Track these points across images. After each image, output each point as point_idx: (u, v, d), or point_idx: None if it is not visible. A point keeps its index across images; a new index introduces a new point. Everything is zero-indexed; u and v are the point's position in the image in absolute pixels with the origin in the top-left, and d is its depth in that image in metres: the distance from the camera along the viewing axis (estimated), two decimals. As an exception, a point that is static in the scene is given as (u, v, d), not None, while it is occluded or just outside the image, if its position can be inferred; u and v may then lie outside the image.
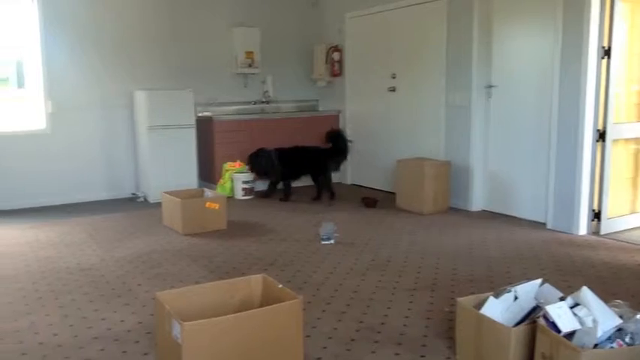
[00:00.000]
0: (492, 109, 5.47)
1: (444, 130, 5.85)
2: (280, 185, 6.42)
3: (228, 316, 2.40)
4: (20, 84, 6.85)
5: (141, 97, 6.22)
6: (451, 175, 5.66)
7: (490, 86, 5.46)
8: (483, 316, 2.38)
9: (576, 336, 2.12)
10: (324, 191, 6.28)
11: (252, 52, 7.07)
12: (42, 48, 6.05)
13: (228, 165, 6.47)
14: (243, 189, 6.39)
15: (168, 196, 5.06)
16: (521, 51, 5.17)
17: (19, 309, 3.24)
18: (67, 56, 6.17)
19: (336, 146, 6.25)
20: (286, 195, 6.33)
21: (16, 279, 3.75)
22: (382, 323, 2.99)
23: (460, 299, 2.57)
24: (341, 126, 7.34)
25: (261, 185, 6.58)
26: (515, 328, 2.27)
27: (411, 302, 3.28)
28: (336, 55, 7.31)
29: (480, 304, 2.50)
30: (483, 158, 5.58)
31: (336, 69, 7.33)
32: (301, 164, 6.28)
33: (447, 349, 2.67)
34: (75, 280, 3.71)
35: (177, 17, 6.73)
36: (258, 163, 6.24)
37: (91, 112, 6.34)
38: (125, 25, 6.44)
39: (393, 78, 6.51)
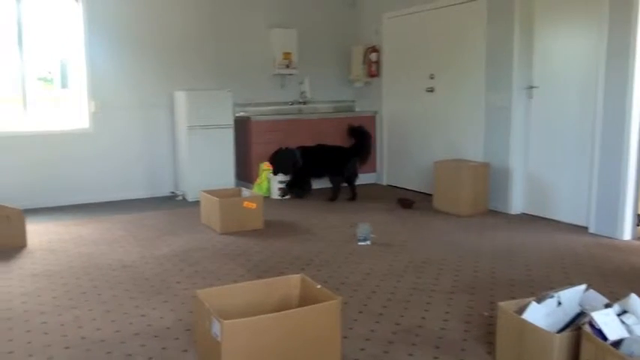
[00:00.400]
0: (533, 110, 5.37)
1: (483, 131, 5.77)
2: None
3: (267, 315, 2.42)
4: (64, 84, 7.04)
5: (180, 98, 6.32)
6: (490, 177, 5.57)
7: (531, 87, 5.35)
8: (526, 322, 2.33)
9: (624, 344, 2.06)
10: (334, 189, 6.31)
11: (289, 53, 7.10)
12: (85, 48, 6.20)
13: (264, 165, 6.51)
14: (280, 189, 6.42)
15: (206, 195, 5.13)
16: (564, 51, 5.05)
17: (63, 303, 3.33)
18: (109, 57, 6.31)
19: (360, 143, 6.30)
20: (303, 193, 6.46)
21: (61, 274, 3.85)
22: (420, 326, 2.96)
23: (501, 303, 2.53)
24: (377, 127, 7.33)
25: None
26: (560, 334, 2.22)
27: (449, 305, 3.24)
28: (373, 56, 7.28)
29: (521, 309, 2.45)
30: (523, 160, 5.47)
31: (373, 69, 7.30)
32: (323, 163, 6.32)
33: (486, 354, 2.63)
34: (116, 277, 3.79)
35: (217, 19, 6.81)
36: (279, 161, 6.29)
37: (132, 111, 6.48)
38: (166, 26, 6.55)
39: (432, 78, 6.45)
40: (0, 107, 6.57)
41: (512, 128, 5.44)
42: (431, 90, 6.47)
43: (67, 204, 6.16)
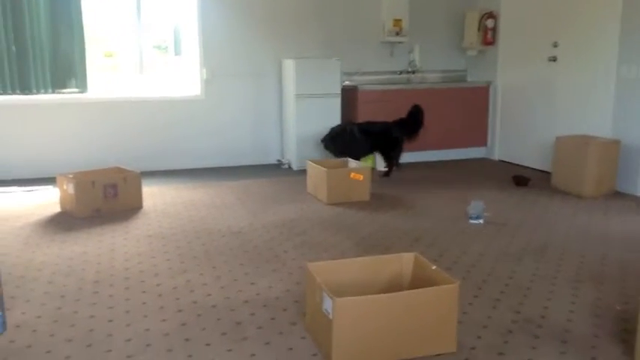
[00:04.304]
0: (675, 82, 4.79)
1: (613, 105, 5.24)
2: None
3: (382, 294, 2.31)
4: (177, 52, 7.24)
5: (289, 66, 6.27)
6: (619, 156, 5.07)
7: (674, 56, 4.77)
8: (677, 324, 2.05)
9: None
10: (388, 163, 5.94)
11: (400, 20, 6.82)
12: (199, 17, 6.30)
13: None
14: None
15: (313, 164, 5.07)
16: None
17: (175, 266, 3.41)
18: (221, 25, 6.37)
19: (413, 119, 5.93)
20: None
21: (173, 237, 3.96)
22: (542, 316, 2.72)
23: (644, 300, 2.24)
24: (491, 98, 6.92)
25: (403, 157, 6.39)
26: None
27: (574, 295, 2.96)
28: (489, 22, 6.83)
29: (668, 308, 2.16)
30: (660, 138, 4.93)
31: (489, 37, 6.86)
32: (374, 139, 5.93)
33: (622, 355, 2.35)
34: (226, 243, 3.83)
35: (327, -16, 6.67)
36: (338, 141, 5.85)
37: (243, 79, 6.53)
38: (276, -7, 6.52)
39: (555, 47, 5.94)
40: (119, 73, 6.90)
41: (648, 102, 4.91)
42: (553, 59, 5.97)
43: (178, 168, 6.36)
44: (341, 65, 6.32)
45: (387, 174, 5.98)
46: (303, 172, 5.46)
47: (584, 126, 5.55)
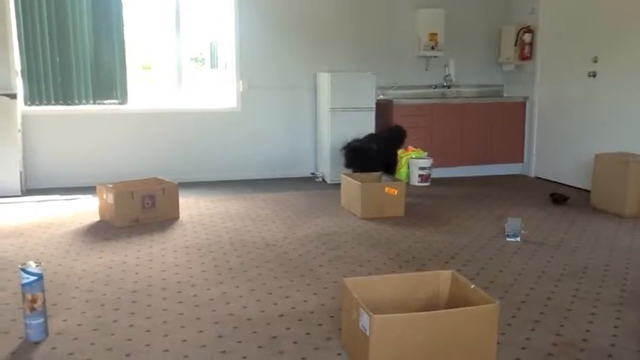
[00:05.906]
0: None
1: (656, 122, 5.13)
2: None
3: (420, 313, 2.29)
4: (213, 65, 7.36)
5: (324, 79, 6.31)
6: (662, 175, 4.94)
7: None
8: None
9: None
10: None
11: (435, 34, 6.80)
12: (236, 30, 6.39)
13: (400, 152, 6.29)
14: (420, 175, 6.22)
15: (347, 178, 5.07)
16: None
17: (212, 277, 3.44)
18: (257, 38, 6.45)
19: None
20: None
21: (209, 248, 4.00)
22: (584, 340, 2.66)
23: (693, 327, 2.17)
24: (527, 114, 6.84)
25: (437, 173, 6.35)
26: None
27: (617, 319, 2.88)
28: (527, 37, 6.77)
29: None
30: None
31: (526, 52, 6.79)
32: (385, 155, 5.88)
33: (669, 382, 2.29)
34: (261, 255, 3.86)
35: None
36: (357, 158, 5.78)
37: (278, 92, 6.59)
38: (312, 7, 6.56)
39: (595, 62, 5.84)
40: (157, 85, 7.05)
41: (693, 120, 4.78)
42: (593, 75, 5.87)
43: (214, 179, 6.43)
44: (376, 79, 6.33)
45: None
46: (337, 185, 5.47)
47: (624, 143, 5.43)
